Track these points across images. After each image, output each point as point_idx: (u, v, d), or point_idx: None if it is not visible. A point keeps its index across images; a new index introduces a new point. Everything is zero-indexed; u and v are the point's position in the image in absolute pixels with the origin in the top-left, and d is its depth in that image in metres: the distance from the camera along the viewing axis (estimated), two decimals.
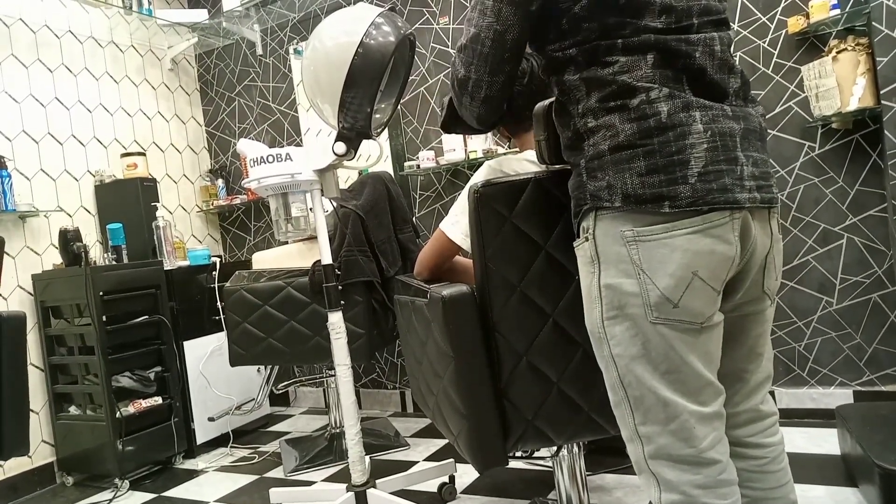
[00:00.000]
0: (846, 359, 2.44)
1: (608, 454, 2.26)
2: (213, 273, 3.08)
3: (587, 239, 1.04)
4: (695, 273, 0.96)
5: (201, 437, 2.99)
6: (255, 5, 3.40)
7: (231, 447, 3.05)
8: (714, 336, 1.02)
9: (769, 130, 2.52)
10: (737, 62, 1.06)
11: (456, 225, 1.47)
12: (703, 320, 0.99)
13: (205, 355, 3.02)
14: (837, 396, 2.46)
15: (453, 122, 1.32)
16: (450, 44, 3.08)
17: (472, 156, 2.89)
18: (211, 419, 2.94)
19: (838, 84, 2.22)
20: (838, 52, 2.23)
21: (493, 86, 1.13)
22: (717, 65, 1.01)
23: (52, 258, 2.96)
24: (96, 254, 3.13)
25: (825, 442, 2.21)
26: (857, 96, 2.21)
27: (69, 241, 2.78)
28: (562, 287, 1.26)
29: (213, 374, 3.04)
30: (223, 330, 2.62)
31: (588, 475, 2.06)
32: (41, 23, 3.12)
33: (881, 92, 2.17)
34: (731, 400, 1.11)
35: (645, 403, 1.02)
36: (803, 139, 2.48)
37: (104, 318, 2.66)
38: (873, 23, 2.16)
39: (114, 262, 2.95)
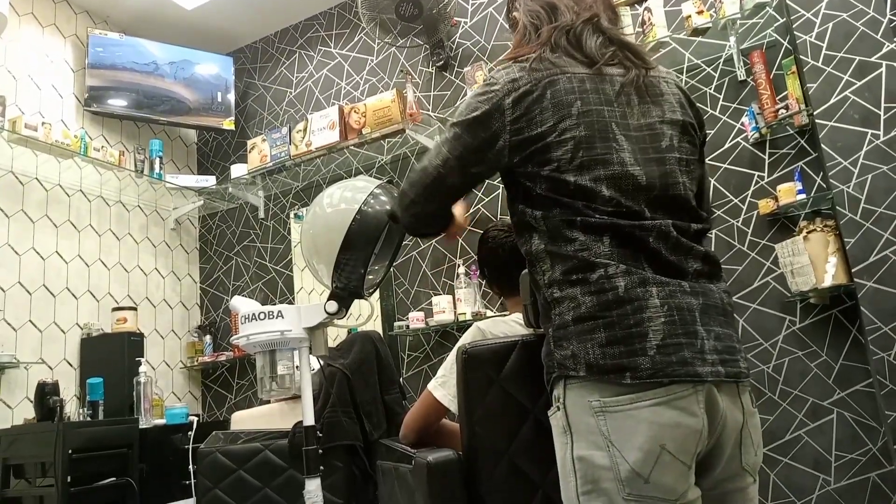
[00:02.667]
0: None
1: None
2: (189, 433, 2.96)
3: (558, 408, 1.04)
4: (662, 446, 0.94)
5: None
6: (261, 174, 3.62)
7: None
8: None
9: (751, 303, 2.59)
10: (699, 245, 1.09)
11: (444, 386, 1.46)
12: (676, 497, 0.95)
13: None
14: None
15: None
16: None
17: (461, 317, 2.93)
18: None
19: (811, 261, 2.33)
20: (808, 233, 2.37)
21: (424, 209, 1.24)
22: (670, 248, 1.04)
23: (25, 412, 2.86)
24: (72, 409, 3.02)
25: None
26: (830, 274, 2.31)
27: (45, 395, 2.70)
28: (552, 454, 1.23)
29: None
30: (192, 496, 2.47)
31: None
32: (55, 181, 3.29)
33: (852, 270, 2.27)
34: None
35: None
36: (784, 313, 2.54)
37: (69, 479, 2.51)
38: (837, 207, 2.32)
39: (88, 418, 2.85)
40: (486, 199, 3.15)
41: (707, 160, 1.43)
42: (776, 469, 2.46)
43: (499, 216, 3.10)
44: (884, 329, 2.21)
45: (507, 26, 2.99)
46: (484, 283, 1.81)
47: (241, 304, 1.94)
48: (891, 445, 2.19)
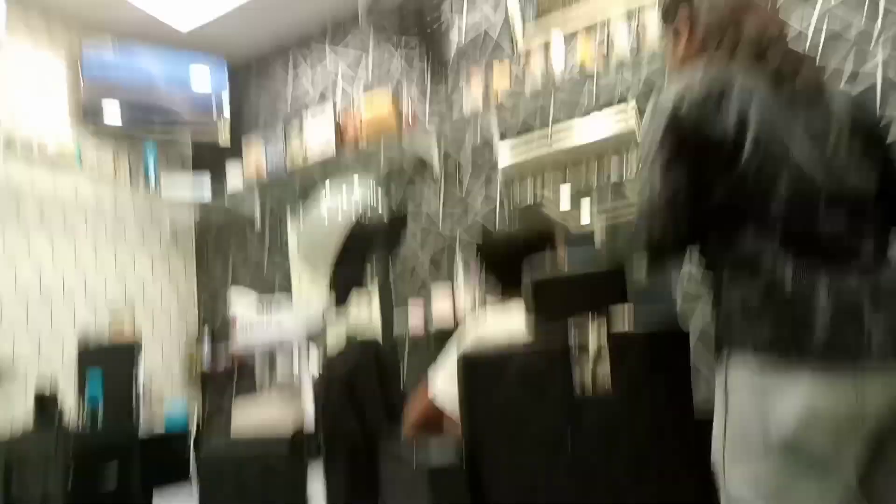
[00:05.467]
0: None
1: None
2: (189, 439, 2.97)
3: (721, 369, 1.14)
4: (823, 418, 1.00)
5: None
6: (258, 186, 3.64)
7: None
8: (835, 488, 1.04)
9: None
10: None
11: (444, 391, 1.49)
12: (827, 467, 1.02)
13: None
14: None
15: None
16: (440, 224, 3.27)
17: (460, 319, 2.95)
18: None
19: None
20: None
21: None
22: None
23: (24, 419, 2.86)
24: (71, 416, 3.02)
25: None
26: None
27: (44, 403, 2.71)
28: (554, 455, 1.26)
29: None
30: (195, 501, 2.48)
31: None
32: (50, 192, 3.30)
33: None
34: None
35: None
36: None
37: (69, 486, 2.51)
38: None
39: (88, 426, 2.85)
40: (486, 210, 3.18)
41: None
42: None
43: (497, 223, 3.13)
44: None
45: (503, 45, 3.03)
46: (483, 279, 1.81)
47: (241, 310, 1.96)
48: None
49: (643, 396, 1.32)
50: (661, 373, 1.34)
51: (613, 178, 2.43)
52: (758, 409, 1.04)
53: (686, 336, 1.37)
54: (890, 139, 1.25)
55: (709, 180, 1.18)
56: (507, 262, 1.63)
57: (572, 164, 2.95)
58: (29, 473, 2.65)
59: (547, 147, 2.94)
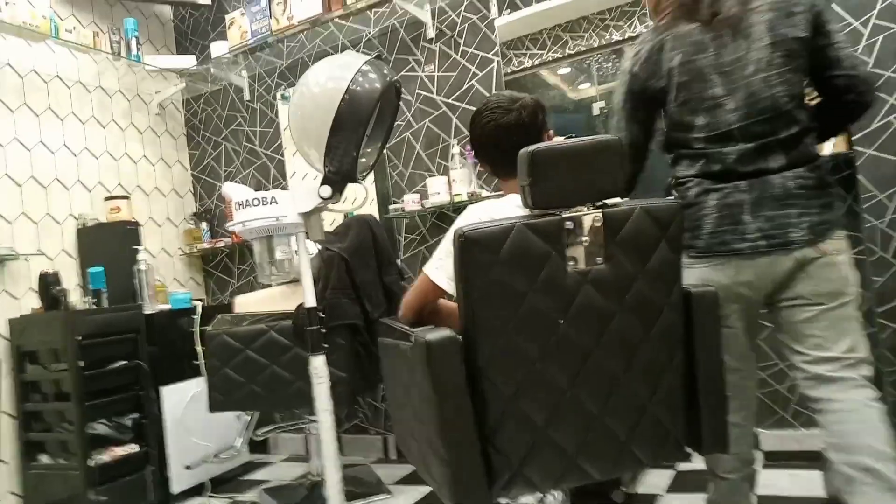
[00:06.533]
0: None
1: (592, 499, 2.22)
2: (194, 317, 3.03)
3: None
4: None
5: (177, 487, 2.90)
6: (243, 52, 3.45)
7: (209, 496, 2.96)
8: (734, 332, 1.55)
9: None
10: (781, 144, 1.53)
11: (440, 269, 1.48)
12: (727, 323, 1.52)
13: (183, 401, 2.96)
14: (821, 438, 2.44)
15: None
16: (434, 90, 3.14)
17: (456, 199, 2.92)
18: (188, 467, 2.86)
19: None
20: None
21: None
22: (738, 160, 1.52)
23: (31, 302, 2.91)
24: (76, 298, 3.08)
25: (810, 483, 2.19)
26: (831, 142, 2.27)
27: (49, 285, 2.75)
28: (547, 333, 1.26)
29: (192, 420, 2.97)
30: (202, 375, 2.57)
31: None
32: (29, 68, 3.14)
33: (853, 138, 2.23)
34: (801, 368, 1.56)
35: None
36: None
37: (81, 364, 2.60)
38: None
39: (93, 307, 2.91)
40: (480, 74, 3.03)
41: None
42: (764, 336, 2.54)
43: (493, 89, 3.00)
44: (879, 197, 2.21)
45: None
46: (478, 162, 1.77)
47: (233, 191, 1.92)
48: (874, 309, 2.25)
49: (636, 271, 1.31)
50: (654, 247, 1.32)
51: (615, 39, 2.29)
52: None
53: (679, 208, 1.35)
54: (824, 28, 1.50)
55: (656, 124, 1.59)
56: (499, 149, 1.58)
57: (571, 29, 2.79)
58: (40, 354, 2.74)
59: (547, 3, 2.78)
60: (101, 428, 2.67)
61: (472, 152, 1.75)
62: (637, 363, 1.32)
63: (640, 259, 1.31)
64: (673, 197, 1.55)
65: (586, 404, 1.29)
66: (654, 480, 2.43)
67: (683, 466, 2.54)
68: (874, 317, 2.27)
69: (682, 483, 2.38)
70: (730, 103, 1.47)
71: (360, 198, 1.92)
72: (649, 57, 1.55)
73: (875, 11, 2.19)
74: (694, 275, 1.49)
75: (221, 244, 3.68)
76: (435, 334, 1.25)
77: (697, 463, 2.51)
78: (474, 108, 1.66)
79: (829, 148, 2.27)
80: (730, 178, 1.49)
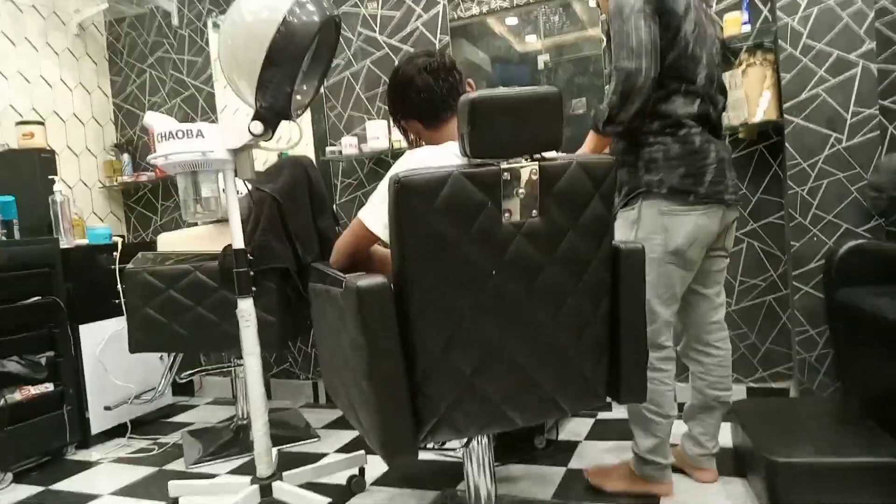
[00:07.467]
0: (741, 357, 2.59)
1: (517, 444, 2.30)
2: (115, 254, 2.90)
3: (633, 208, 1.73)
4: (698, 237, 1.70)
5: (97, 427, 2.82)
6: None
7: (129, 437, 2.89)
8: (690, 275, 1.77)
9: None
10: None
11: (374, 214, 1.44)
12: (692, 266, 1.75)
13: (103, 341, 2.85)
14: (733, 392, 2.60)
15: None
16: (377, 29, 3.02)
17: (396, 145, 2.86)
18: (107, 408, 2.78)
19: (746, 96, 2.34)
20: (748, 66, 2.35)
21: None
22: (717, 117, 1.78)
23: None
24: None
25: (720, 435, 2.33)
26: (762, 108, 2.33)
27: None
28: (480, 283, 1.26)
29: (112, 360, 2.87)
30: (123, 314, 2.47)
31: (497, 465, 2.08)
32: None
33: (784, 106, 2.30)
34: (705, 314, 1.88)
35: None
36: None
37: None
38: (779, 41, 2.29)
39: (2, 238, 2.73)
40: (425, 17, 2.94)
41: None
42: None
43: (438, 34, 2.91)
44: (803, 165, 2.30)
45: None
46: (404, 131, 1.74)
47: (156, 121, 1.80)
48: (790, 272, 2.38)
49: (569, 225, 1.32)
50: (587, 202, 1.33)
51: None
52: (662, 234, 1.69)
53: (613, 165, 1.37)
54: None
55: (664, 41, 1.64)
56: (433, 92, 1.59)
57: None
58: None
59: None
60: (12, 366, 2.54)
61: (393, 116, 1.71)
62: (564, 315, 1.34)
63: (573, 213, 1.32)
64: (670, 138, 1.67)
65: (514, 354, 1.31)
66: (575, 427, 2.53)
67: (603, 415, 2.66)
68: (790, 279, 2.40)
69: (601, 430, 2.49)
70: (704, 65, 1.70)
71: (295, 138, 1.84)
72: None
73: None
74: (691, 220, 1.67)
75: (144, 178, 3.50)
76: (367, 280, 1.23)
77: (616, 412, 2.65)
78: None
79: (759, 115, 2.33)
80: (715, 133, 1.75)
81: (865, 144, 2.23)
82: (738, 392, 2.58)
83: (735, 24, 2.39)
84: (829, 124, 2.26)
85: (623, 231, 1.73)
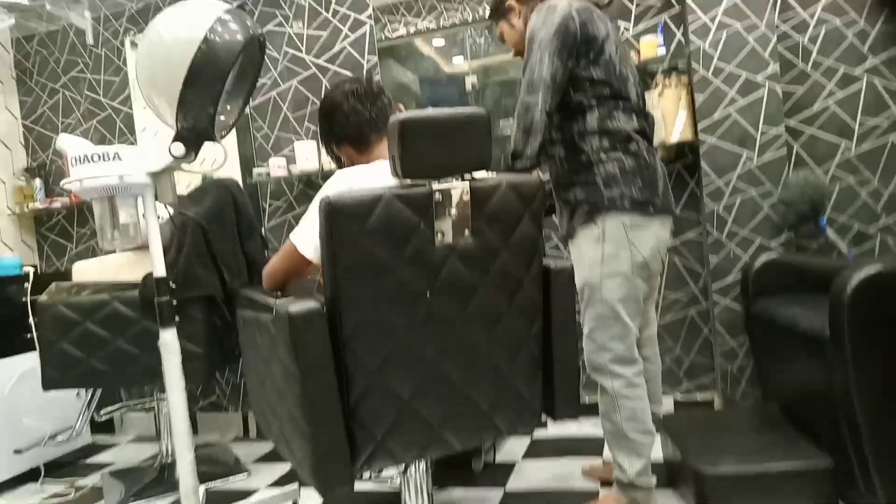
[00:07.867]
0: (668, 370, 2.67)
1: (455, 468, 2.28)
2: (26, 285, 2.71)
3: (596, 225, 1.71)
4: (658, 248, 1.74)
5: (6, 474, 2.61)
6: None
7: (42, 482, 2.69)
8: (648, 288, 1.79)
9: None
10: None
11: (305, 237, 1.41)
12: (655, 278, 1.81)
13: (12, 378, 2.65)
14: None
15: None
16: (304, 49, 2.99)
17: (326, 166, 2.82)
18: (17, 451, 2.58)
19: (663, 116, 2.44)
20: (664, 88, 2.46)
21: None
22: (650, 128, 1.82)
23: None
24: None
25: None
26: (678, 129, 2.44)
27: None
28: (414, 305, 1.25)
29: (24, 399, 2.67)
30: (35, 350, 2.31)
31: (435, 490, 2.05)
32: None
33: (699, 127, 2.41)
34: (640, 329, 1.81)
35: (614, 328, 1.71)
36: None
37: None
38: (692, 63, 2.41)
39: None
40: (352, 37, 2.93)
41: None
42: None
43: (366, 55, 2.91)
44: (718, 183, 2.41)
45: None
46: (333, 156, 1.74)
47: (71, 145, 1.71)
48: (709, 285, 2.48)
49: (500, 245, 1.33)
50: (518, 222, 1.35)
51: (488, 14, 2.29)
52: (628, 248, 1.69)
53: (541, 184, 1.40)
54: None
55: (585, 64, 1.67)
56: (360, 117, 1.60)
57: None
58: None
59: None
60: None
61: (325, 142, 1.70)
62: (498, 335, 1.35)
63: (504, 233, 1.33)
64: (621, 153, 1.69)
65: (451, 376, 1.30)
66: (512, 448, 2.53)
67: (538, 434, 2.67)
68: (710, 293, 2.50)
69: (537, 449, 2.50)
70: (632, 84, 1.76)
71: (220, 159, 1.78)
72: (586, 7, 1.70)
73: (721, 8, 2.37)
74: (652, 232, 1.70)
75: (58, 204, 3.31)
76: (298, 306, 1.20)
77: (552, 430, 2.67)
78: (346, 72, 1.61)
79: (676, 136, 2.44)
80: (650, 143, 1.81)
81: (774, 162, 2.36)
82: (667, 404, 2.65)
83: (651, 47, 2.50)
84: (740, 143, 2.38)
85: (588, 248, 1.72)
